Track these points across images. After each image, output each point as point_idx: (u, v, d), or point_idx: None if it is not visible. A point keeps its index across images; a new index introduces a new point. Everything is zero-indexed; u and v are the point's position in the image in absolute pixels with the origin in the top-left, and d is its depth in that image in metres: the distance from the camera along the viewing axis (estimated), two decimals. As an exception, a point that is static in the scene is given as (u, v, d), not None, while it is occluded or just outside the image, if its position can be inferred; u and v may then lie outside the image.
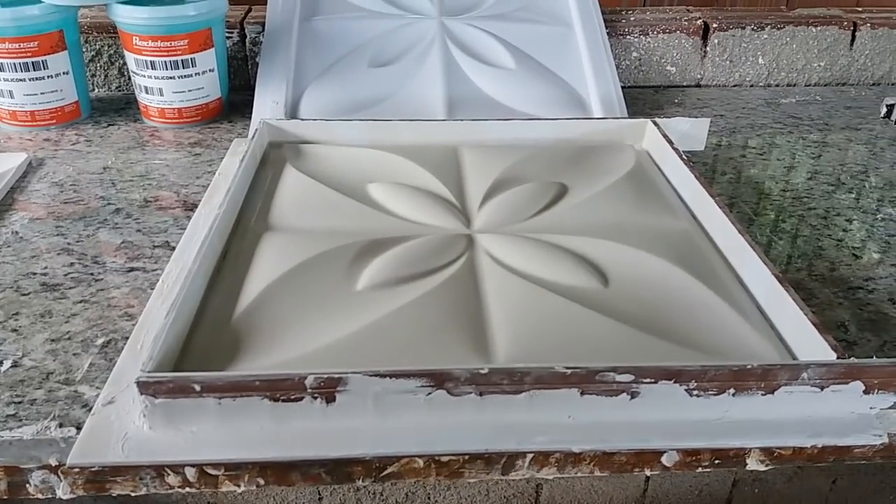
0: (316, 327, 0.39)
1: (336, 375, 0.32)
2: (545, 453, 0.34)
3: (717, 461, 0.35)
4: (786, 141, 0.70)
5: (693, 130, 0.62)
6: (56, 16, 0.65)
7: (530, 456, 0.34)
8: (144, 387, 0.32)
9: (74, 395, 0.37)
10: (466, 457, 0.34)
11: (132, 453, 0.33)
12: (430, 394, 0.33)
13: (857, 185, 0.61)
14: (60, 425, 0.35)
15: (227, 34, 0.76)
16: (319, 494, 0.78)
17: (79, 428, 0.34)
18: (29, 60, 0.65)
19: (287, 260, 0.44)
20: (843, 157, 0.66)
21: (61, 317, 0.43)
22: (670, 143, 0.57)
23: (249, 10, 0.81)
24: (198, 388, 0.33)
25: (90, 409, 0.35)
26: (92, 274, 0.47)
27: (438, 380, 0.33)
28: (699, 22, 0.82)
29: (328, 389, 0.33)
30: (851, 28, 0.83)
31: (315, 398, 0.33)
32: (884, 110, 0.76)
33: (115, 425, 0.34)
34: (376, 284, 0.42)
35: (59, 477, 0.33)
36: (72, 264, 0.48)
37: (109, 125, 0.71)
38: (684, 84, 0.84)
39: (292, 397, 0.33)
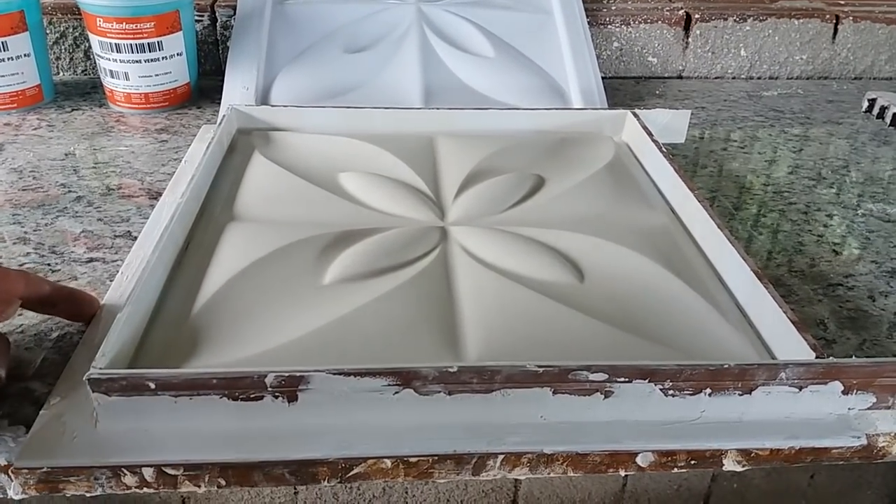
0: (280, 322, 0.37)
1: (298, 374, 0.31)
2: (517, 454, 0.33)
3: (693, 462, 0.34)
4: (767, 134, 0.69)
5: (673, 122, 0.61)
6: (16, -5, 0.62)
7: (501, 457, 0.33)
8: (96, 384, 0.31)
9: (25, 391, 0.35)
10: (436, 457, 0.32)
11: (83, 453, 0.31)
12: (396, 393, 0.32)
13: (838, 180, 0.60)
14: (10, 423, 0.33)
15: (197, 17, 0.73)
16: (295, 489, 0.77)
17: (28, 426, 0.33)
18: (-12, 41, 0.62)
19: (251, 251, 0.42)
20: (825, 152, 0.66)
21: (14, 309, 0.41)
22: (650, 135, 0.56)
23: (222, -7, 0.78)
24: (152, 385, 0.31)
25: (41, 407, 0.34)
26: (49, 264, 0.45)
27: (405, 379, 0.32)
28: (681, 12, 0.81)
29: (289, 388, 0.31)
30: (834, 21, 0.83)
31: (276, 397, 0.31)
32: (865, 104, 0.75)
33: (67, 424, 0.32)
34: (344, 278, 0.41)
35: (9, 477, 0.32)
36: (28, 254, 0.46)
37: (73, 110, 0.68)
38: (666, 75, 0.83)
39: (252, 396, 0.31)
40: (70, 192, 0.53)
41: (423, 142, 0.57)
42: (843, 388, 0.34)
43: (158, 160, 0.59)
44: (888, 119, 0.72)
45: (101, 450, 0.31)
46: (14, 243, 0.47)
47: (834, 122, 0.73)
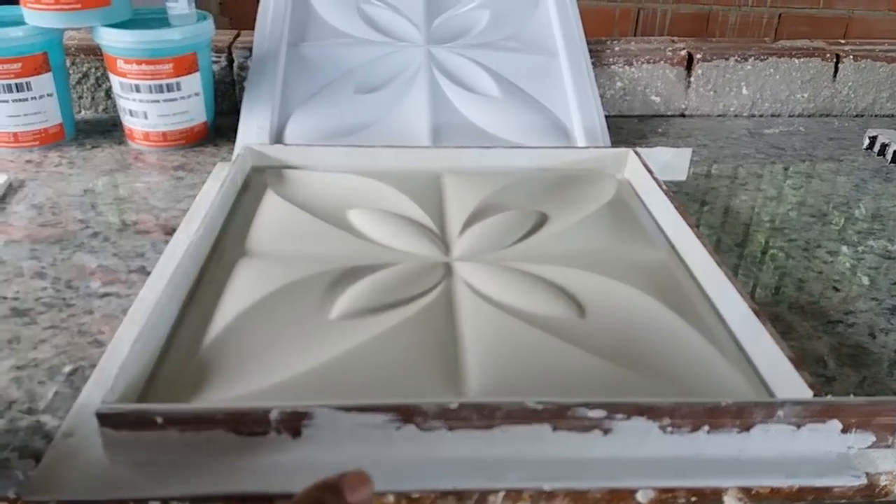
0: (287, 357, 0.38)
1: (301, 410, 0.32)
2: (517, 490, 0.33)
3: (693, 499, 0.34)
4: (769, 171, 0.70)
5: (675, 160, 0.62)
6: (40, 38, 0.64)
7: (502, 493, 0.33)
8: (105, 419, 0.32)
9: (36, 425, 0.36)
10: (437, 493, 0.33)
11: (91, 487, 0.32)
12: (399, 429, 0.32)
13: (840, 217, 0.61)
14: (20, 457, 0.34)
15: (214, 58, 0.76)
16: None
17: (38, 460, 0.34)
18: (12, 82, 0.65)
19: (261, 287, 0.43)
20: (826, 189, 0.67)
21: (29, 343, 0.42)
22: (651, 172, 0.57)
23: (238, 35, 0.81)
24: (160, 420, 0.32)
25: (51, 441, 0.34)
26: (64, 299, 0.46)
27: (407, 414, 0.32)
28: (683, 52, 0.83)
29: (293, 424, 0.32)
30: (834, 60, 0.84)
31: (280, 432, 0.32)
32: (866, 142, 0.76)
33: (76, 458, 0.33)
34: (351, 313, 0.42)
35: (18, 511, 0.32)
36: (44, 288, 0.47)
37: (93, 147, 0.70)
38: (668, 114, 0.85)
39: (256, 431, 0.32)
40: (87, 227, 0.55)
41: (429, 179, 0.59)
42: (841, 426, 0.34)
43: (174, 197, 0.60)
44: (889, 156, 0.73)
45: (109, 484, 0.32)
46: (32, 278, 0.48)
47: (835, 160, 0.74)
